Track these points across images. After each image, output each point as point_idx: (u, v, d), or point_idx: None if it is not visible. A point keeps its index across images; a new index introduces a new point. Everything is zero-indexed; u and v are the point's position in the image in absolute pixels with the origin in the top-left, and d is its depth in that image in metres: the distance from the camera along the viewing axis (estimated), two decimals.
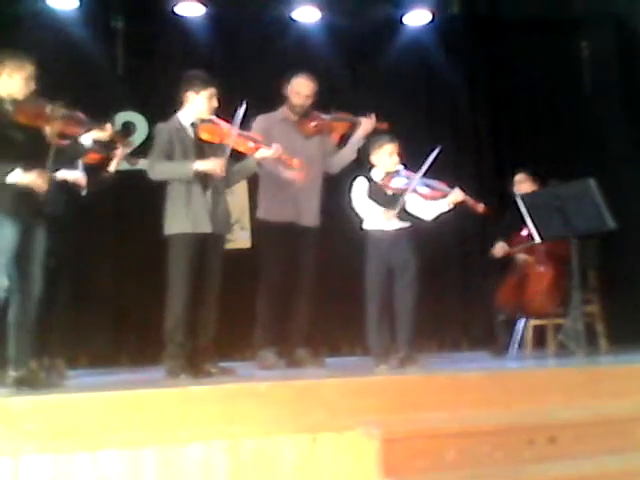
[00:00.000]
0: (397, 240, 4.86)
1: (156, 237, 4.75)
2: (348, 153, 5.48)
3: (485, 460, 3.69)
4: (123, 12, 6.65)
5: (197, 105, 4.76)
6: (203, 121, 4.74)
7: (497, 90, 7.27)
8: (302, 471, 3.79)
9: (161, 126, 4.83)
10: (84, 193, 4.99)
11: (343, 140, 5.55)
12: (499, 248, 5.94)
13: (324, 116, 5.46)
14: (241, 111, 4.63)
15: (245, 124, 4.80)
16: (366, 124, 5.42)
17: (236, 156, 4.86)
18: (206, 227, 4.67)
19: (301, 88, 5.38)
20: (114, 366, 5.94)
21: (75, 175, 4.93)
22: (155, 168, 4.71)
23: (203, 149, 4.72)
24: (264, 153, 4.83)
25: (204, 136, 4.74)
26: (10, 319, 4.20)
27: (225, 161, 4.67)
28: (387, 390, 4.05)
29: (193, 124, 4.76)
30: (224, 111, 4.77)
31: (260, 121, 5.37)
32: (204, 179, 4.68)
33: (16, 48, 4.37)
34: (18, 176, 4.11)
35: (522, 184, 6.04)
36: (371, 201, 4.92)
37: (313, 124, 5.41)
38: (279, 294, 5.25)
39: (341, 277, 5.95)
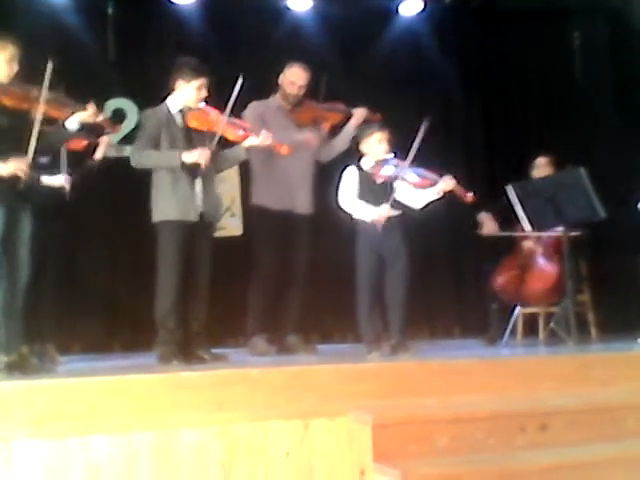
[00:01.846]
0: (388, 228, 4.84)
1: (148, 224, 4.72)
2: (340, 143, 5.49)
3: (478, 446, 3.69)
4: None
5: (186, 94, 4.72)
6: (192, 109, 4.72)
7: (489, 79, 7.27)
8: (294, 456, 3.78)
9: (149, 112, 4.80)
10: (67, 197, 4.95)
11: (335, 129, 5.55)
12: (488, 224, 5.87)
13: (317, 105, 5.46)
14: (233, 96, 4.60)
15: (236, 110, 4.77)
16: (359, 115, 5.43)
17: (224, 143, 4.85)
18: (193, 215, 4.65)
19: (295, 78, 5.37)
20: (106, 352, 5.92)
21: (59, 180, 4.90)
22: (140, 156, 4.69)
23: (191, 137, 4.69)
24: (253, 141, 4.81)
25: (193, 124, 4.71)
26: None
27: (212, 151, 4.64)
28: (379, 376, 4.05)
29: (181, 111, 4.73)
30: (216, 98, 4.75)
31: (254, 107, 5.36)
32: (192, 166, 4.65)
33: (5, 33, 4.32)
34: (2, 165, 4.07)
35: (542, 168, 6.02)
36: (360, 201, 4.90)
37: (306, 114, 5.40)
38: (272, 281, 5.25)
39: (332, 264, 5.93)
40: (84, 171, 5.06)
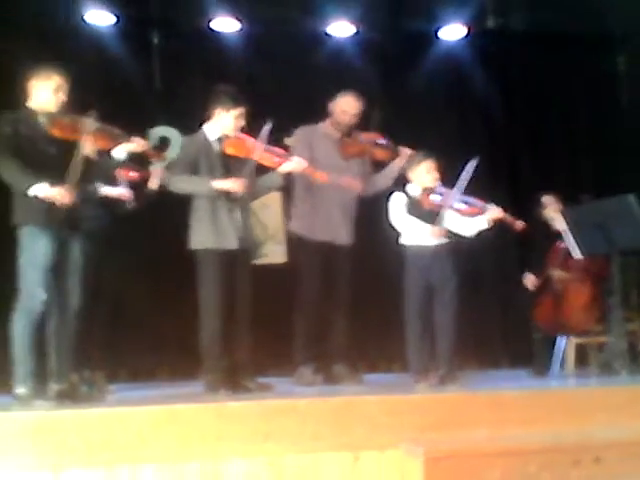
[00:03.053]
0: (437, 256, 4.83)
1: (191, 252, 4.75)
2: (383, 181, 5.41)
3: None
4: (159, 28, 6.70)
5: (225, 122, 4.76)
6: (229, 136, 4.76)
7: (532, 105, 7.20)
8: None
9: (187, 140, 4.89)
10: (129, 206, 5.02)
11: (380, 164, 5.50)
12: (529, 281, 5.88)
13: (366, 140, 5.37)
14: (267, 126, 4.64)
15: (272, 139, 4.79)
16: (405, 155, 5.30)
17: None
18: (232, 243, 4.67)
19: (348, 107, 5.33)
20: (153, 380, 5.95)
21: (118, 191, 4.96)
22: (175, 181, 4.73)
23: (228, 163, 4.73)
24: (289, 167, 4.83)
25: (230, 151, 4.75)
26: (49, 332, 4.23)
27: (248, 178, 4.67)
28: (428, 408, 4.01)
29: (219, 139, 4.77)
30: (258, 126, 4.75)
31: (301, 132, 5.38)
32: (229, 193, 4.68)
33: (53, 63, 4.39)
34: (42, 189, 4.12)
35: (549, 205, 5.99)
36: (415, 219, 4.89)
37: (354, 146, 5.35)
38: (316, 310, 5.22)
39: (378, 293, 5.91)
40: (140, 200, 5.11)
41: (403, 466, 3.74)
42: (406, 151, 5.31)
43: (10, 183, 4.19)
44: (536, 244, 5.97)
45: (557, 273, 5.90)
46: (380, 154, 5.40)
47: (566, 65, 7.15)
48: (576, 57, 7.18)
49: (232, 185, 4.64)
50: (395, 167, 5.35)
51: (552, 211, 5.93)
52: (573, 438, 3.92)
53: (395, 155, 5.35)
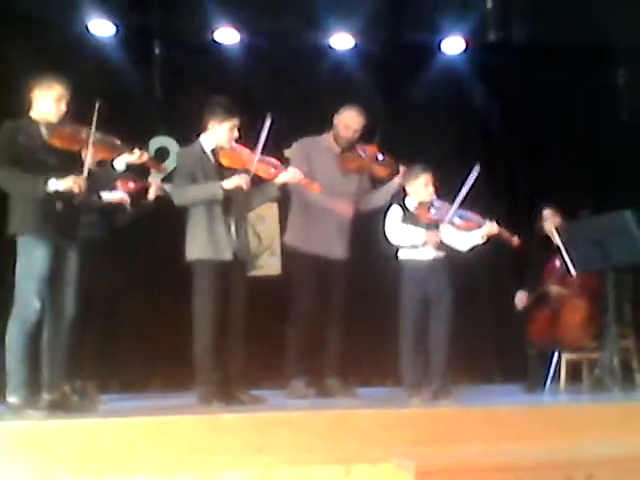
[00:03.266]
0: (433, 270, 4.84)
1: (187, 262, 4.75)
2: (381, 198, 5.39)
3: None
4: (160, 38, 6.71)
5: (218, 134, 4.77)
6: (223, 147, 4.77)
7: (532, 119, 7.20)
8: None
9: (184, 151, 4.92)
10: (128, 215, 5.05)
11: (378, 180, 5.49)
12: (519, 299, 5.86)
13: (366, 156, 5.35)
14: (263, 136, 4.64)
15: (275, 147, 4.81)
16: (404, 173, 5.24)
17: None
18: (227, 254, 4.68)
19: (350, 121, 5.33)
20: (145, 391, 5.93)
21: (119, 195, 4.98)
22: (182, 193, 4.73)
23: (224, 175, 4.72)
24: (285, 177, 4.84)
25: (225, 162, 4.76)
26: (43, 341, 4.23)
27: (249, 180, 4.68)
28: (421, 422, 4.02)
29: (214, 150, 4.78)
30: (258, 137, 4.75)
31: (302, 144, 5.41)
32: (226, 204, 4.69)
33: (55, 73, 4.41)
34: (54, 184, 4.14)
35: (550, 219, 5.99)
36: (411, 226, 4.90)
37: (354, 161, 5.35)
38: (309, 323, 5.21)
39: (371, 307, 5.92)
40: (139, 211, 5.13)
41: None
42: (405, 169, 5.29)
43: (18, 190, 4.19)
44: (533, 259, 5.97)
45: (555, 289, 5.89)
46: (379, 171, 5.39)
47: (566, 78, 7.12)
48: (576, 70, 7.14)
49: (240, 181, 4.64)
50: (393, 185, 5.33)
51: (551, 224, 5.93)
52: (566, 454, 3.91)
53: (394, 173, 5.34)
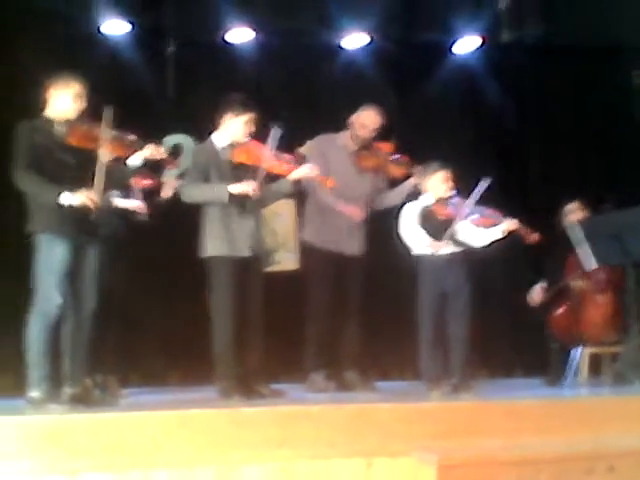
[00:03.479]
0: (450, 265, 4.85)
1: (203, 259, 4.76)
2: (395, 197, 5.40)
3: None
4: (174, 37, 6.73)
5: (234, 128, 4.77)
6: (238, 143, 4.77)
7: (546, 118, 7.20)
8: None
9: (197, 148, 4.93)
10: (144, 218, 5.06)
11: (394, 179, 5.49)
12: (536, 294, 5.84)
13: (382, 155, 5.37)
14: (277, 133, 4.65)
15: (281, 146, 4.79)
16: (421, 175, 5.26)
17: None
18: (244, 250, 4.69)
19: (368, 121, 5.33)
20: (165, 385, 5.93)
21: (133, 204, 5.00)
22: (189, 191, 4.75)
23: (238, 171, 4.73)
24: (299, 173, 4.84)
25: (239, 158, 4.75)
26: (64, 336, 4.24)
27: (260, 182, 4.68)
28: (442, 416, 4.02)
29: (229, 146, 4.79)
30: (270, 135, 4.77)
31: (318, 141, 5.42)
32: (241, 201, 4.70)
33: (71, 71, 4.41)
34: (67, 198, 4.14)
35: (573, 214, 5.97)
36: (421, 229, 4.91)
37: (370, 160, 5.35)
38: (328, 317, 5.22)
39: (390, 301, 5.92)
40: (155, 209, 5.14)
41: (416, 473, 3.73)
42: (421, 169, 5.28)
43: (35, 193, 4.19)
44: (554, 253, 5.91)
45: (577, 283, 5.86)
46: (395, 170, 5.39)
47: (580, 78, 7.14)
48: (590, 70, 7.16)
49: (247, 187, 4.64)
50: (408, 185, 5.32)
51: (574, 219, 5.90)
52: (587, 447, 3.91)
53: (410, 173, 5.34)
